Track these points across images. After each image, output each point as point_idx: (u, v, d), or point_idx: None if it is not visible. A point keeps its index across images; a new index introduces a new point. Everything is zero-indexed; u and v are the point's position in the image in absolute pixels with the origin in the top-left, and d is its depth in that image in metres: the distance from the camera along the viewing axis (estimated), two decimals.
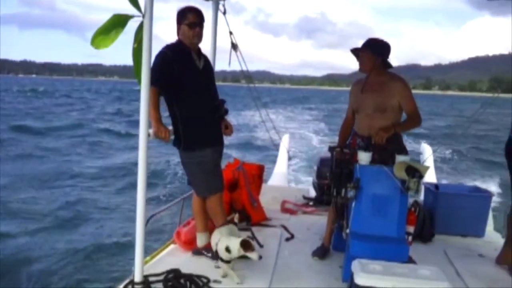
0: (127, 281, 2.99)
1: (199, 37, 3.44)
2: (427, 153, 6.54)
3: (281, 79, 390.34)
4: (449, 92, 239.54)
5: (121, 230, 7.96)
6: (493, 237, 4.60)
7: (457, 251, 4.14)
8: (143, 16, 2.72)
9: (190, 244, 3.73)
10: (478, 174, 14.71)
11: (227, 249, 3.04)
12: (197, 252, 3.63)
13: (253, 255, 3.03)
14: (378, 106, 3.50)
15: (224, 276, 3.17)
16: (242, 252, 3.02)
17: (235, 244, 3.04)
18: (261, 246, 3.84)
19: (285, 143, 7.60)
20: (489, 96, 4.41)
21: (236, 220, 3.84)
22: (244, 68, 4.16)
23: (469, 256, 4.05)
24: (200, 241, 3.64)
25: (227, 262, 3.10)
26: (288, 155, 7.39)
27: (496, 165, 14.56)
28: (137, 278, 2.96)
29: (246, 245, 3.04)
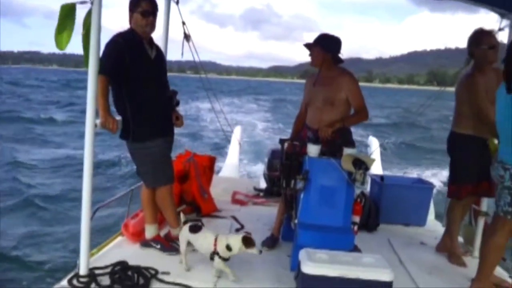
0: (72, 274, 2.92)
1: (152, 26, 3.37)
2: (374, 146, 6.75)
3: (227, 70, 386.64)
4: (389, 85, 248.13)
5: (67, 222, 7.73)
6: (434, 226, 4.83)
7: (400, 239, 4.32)
8: (92, 3, 2.64)
9: (138, 236, 3.68)
10: (423, 165, 15.35)
11: (228, 247, 2.99)
12: (146, 244, 3.58)
13: (254, 251, 3.02)
14: (327, 99, 3.58)
15: (218, 274, 3.09)
16: (243, 249, 3.00)
17: (236, 241, 3.01)
18: None
19: (237, 134, 7.62)
20: (437, 89, 4.59)
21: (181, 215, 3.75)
22: (197, 59, 4.14)
23: (411, 244, 4.24)
24: (149, 233, 3.59)
25: (225, 259, 3.03)
26: (239, 146, 7.41)
27: (439, 156, 15.28)
28: (82, 271, 2.90)
29: (247, 241, 3.02)
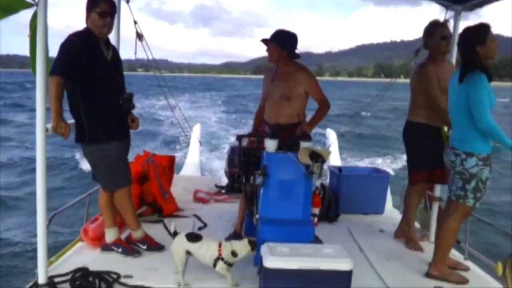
0: (30, 283, 2.84)
1: (109, 27, 3.30)
2: (331, 138, 6.86)
3: (179, 67, 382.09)
4: (340, 78, 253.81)
5: (24, 229, 7.48)
6: (392, 214, 4.98)
7: (360, 228, 4.43)
8: (37, 4, 2.56)
9: (98, 241, 3.61)
10: (378, 154, 15.77)
11: (234, 253, 2.97)
12: (106, 248, 3.52)
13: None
14: (284, 94, 3.63)
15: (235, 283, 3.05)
16: (251, 253, 3.02)
17: (242, 246, 3.01)
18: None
19: (196, 133, 7.58)
20: (385, 81, 4.71)
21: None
22: (150, 57, 4.10)
23: (371, 232, 4.36)
24: (109, 237, 3.53)
25: (230, 265, 3.00)
26: (199, 144, 7.37)
27: (393, 145, 15.75)
28: (41, 279, 2.82)
29: (253, 244, 3.04)
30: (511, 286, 1.87)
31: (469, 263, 3.67)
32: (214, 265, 3.00)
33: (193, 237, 3.11)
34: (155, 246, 3.60)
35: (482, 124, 2.93)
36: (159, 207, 4.46)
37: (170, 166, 4.93)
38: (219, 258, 2.98)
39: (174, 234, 3.14)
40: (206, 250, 3.03)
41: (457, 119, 3.18)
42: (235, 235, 3.88)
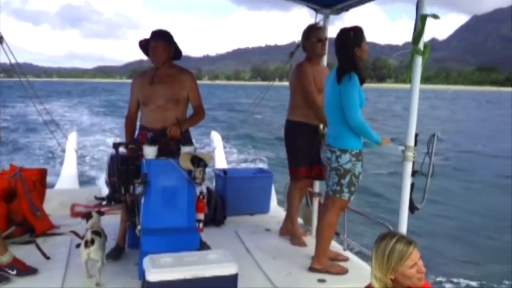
0: None
1: None
2: (216, 141, 6.86)
3: (47, 71, 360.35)
4: (218, 82, 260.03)
5: None
6: (276, 212, 5.10)
7: (246, 229, 4.47)
8: None
9: None
10: (262, 153, 16.26)
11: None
12: None
13: None
14: (171, 97, 3.53)
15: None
16: None
17: None
18: (47, 258, 3.52)
19: (72, 141, 7.05)
20: (261, 84, 4.83)
21: None
22: (13, 61, 3.74)
23: (257, 232, 4.42)
24: None
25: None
26: (76, 153, 6.88)
27: (276, 143, 16.36)
28: None
29: None
30: (376, 272, 1.98)
31: (348, 253, 3.88)
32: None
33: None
34: (26, 270, 3.26)
35: (352, 121, 3.11)
36: (30, 226, 4.05)
37: (41, 180, 4.51)
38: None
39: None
40: None
41: (331, 118, 3.33)
42: (118, 249, 3.68)
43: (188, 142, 3.43)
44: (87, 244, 3.07)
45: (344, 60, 3.22)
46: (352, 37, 3.22)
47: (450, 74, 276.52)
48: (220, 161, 6.34)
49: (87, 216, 3.39)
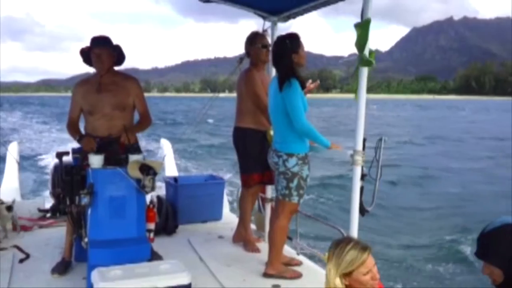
0: None
1: None
2: (166, 148, 6.74)
3: None
4: (167, 94, 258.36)
5: None
6: (229, 218, 5.05)
7: (199, 237, 4.39)
8: None
9: None
10: (217, 162, 16.18)
11: None
12: None
13: None
14: (118, 105, 3.45)
15: None
16: None
17: None
18: None
19: (13, 152, 6.70)
20: (211, 95, 4.81)
21: None
22: None
23: (210, 240, 4.35)
24: None
25: None
26: (18, 165, 6.54)
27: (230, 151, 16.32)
28: None
29: None
30: (331, 277, 1.98)
31: (301, 258, 3.89)
32: None
33: None
34: None
35: (298, 126, 3.15)
36: None
37: None
38: None
39: None
40: None
41: (277, 123, 3.36)
42: (64, 262, 3.51)
43: (136, 150, 3.35)
44: None
45: (283, 67, 3.27)
46: (288, 44, 3.28)
47: (391, 83, 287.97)
48: (171, 169, 6.22)
49: None
